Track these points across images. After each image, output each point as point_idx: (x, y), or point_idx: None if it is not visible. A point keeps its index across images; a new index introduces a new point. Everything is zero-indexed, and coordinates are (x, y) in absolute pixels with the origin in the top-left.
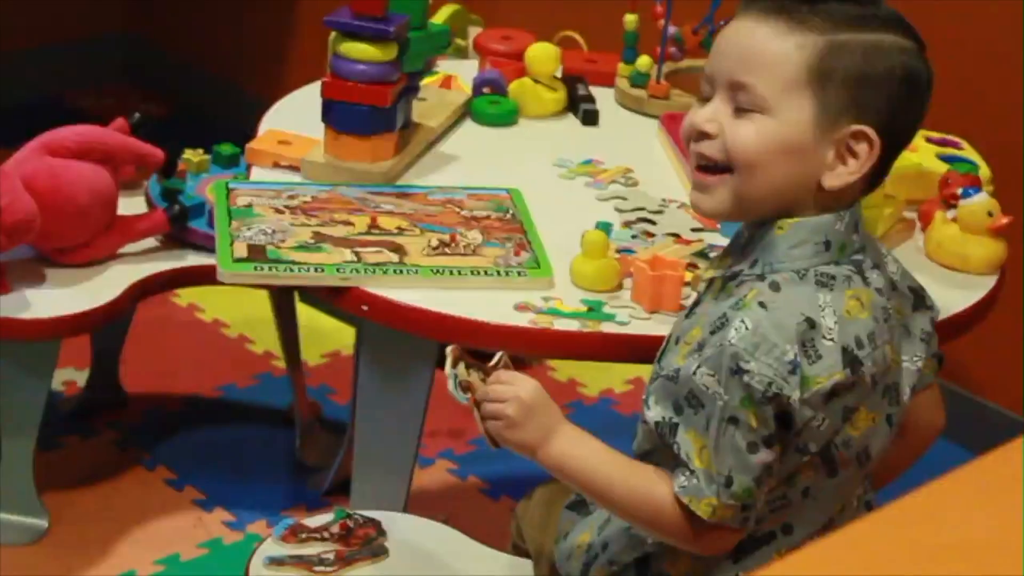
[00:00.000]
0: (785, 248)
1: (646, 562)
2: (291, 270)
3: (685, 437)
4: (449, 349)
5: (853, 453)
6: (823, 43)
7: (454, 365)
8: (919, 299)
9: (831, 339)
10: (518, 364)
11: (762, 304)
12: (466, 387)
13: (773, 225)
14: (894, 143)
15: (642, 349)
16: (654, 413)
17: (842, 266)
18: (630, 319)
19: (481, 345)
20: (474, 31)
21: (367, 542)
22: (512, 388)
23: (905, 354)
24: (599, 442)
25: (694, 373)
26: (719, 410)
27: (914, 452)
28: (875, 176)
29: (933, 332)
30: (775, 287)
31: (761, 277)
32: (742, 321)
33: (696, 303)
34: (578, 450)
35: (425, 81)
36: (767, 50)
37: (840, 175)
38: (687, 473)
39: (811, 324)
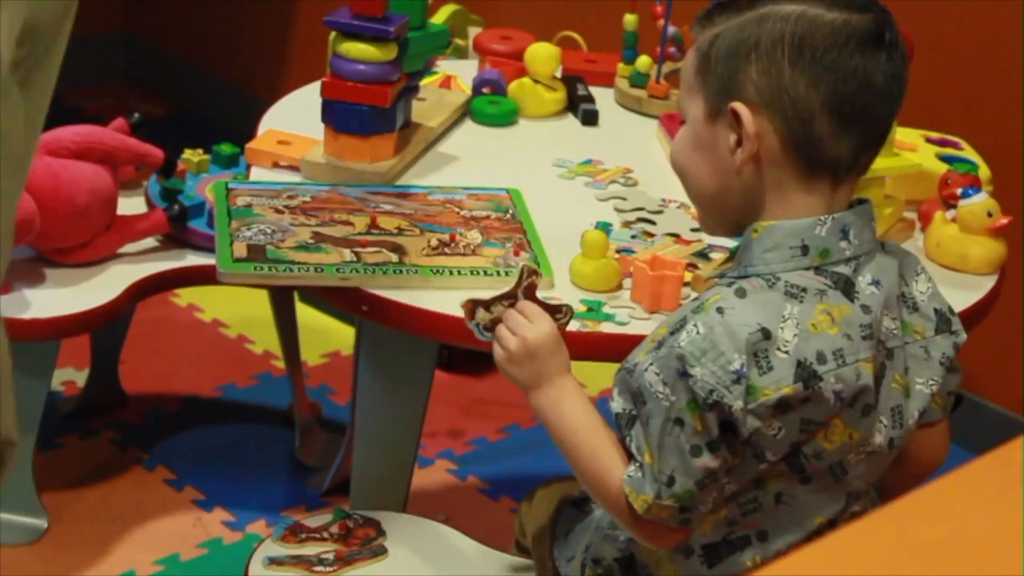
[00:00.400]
0: (759, 251)
1: (631, 565)
2: (291, 270)
3: (638, 431)
4: (462, 304)
5: (825, 465)
6: (707, 38)
7: (471, 318)
8: (944, 322)
9: (785, 352)
10: None
11: (720, 310)
12: (489, 327)
13: (751, 228)
14: (795, 115)
15: None
16: (616, 405)
17: (820, 276)
18: (630, 319)
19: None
20: (474, 31)
21: (366, 542)
22: (525, 325)
23: (920, 376)
24: (588, 406)
25: (645, 370)
26: (665, 410)
27: (911, 482)
28: (809, 156)
29: (955, 360)
30: (740, 293)
31: (732, 282)
32: (695, 325)
33: None
34: (563, 406)
35: (425, 81)
36: (684, 65)
37: (738, 157)
38: (636, 465)
39: (766, 335)
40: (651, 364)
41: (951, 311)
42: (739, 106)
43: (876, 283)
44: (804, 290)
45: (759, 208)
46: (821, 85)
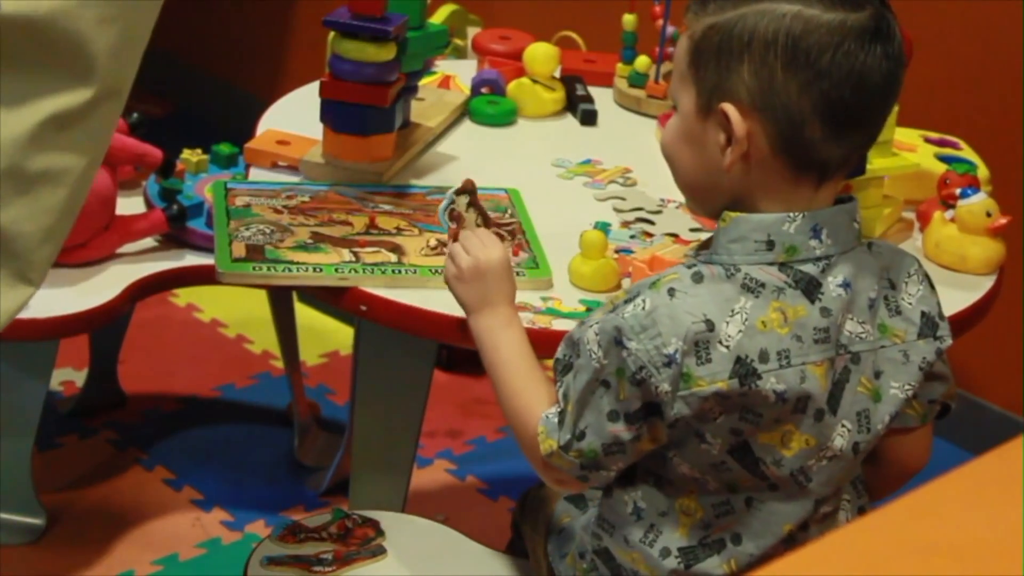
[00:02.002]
0: (724, 241)
1: (610, 558)
2: (289, 270)
3: (568, 380)
4: (465, 180)
5: (786, 472)
6: (701, 28)
7: (458, 193)
8: (929, 327)
9: (726, 346)
10: None
11: (671, 291)
12: (455, 218)
13: (721, 217)
14: (786, 118)
15: None
16: (559, 351)
17: (782, 273)
18: None
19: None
20: (473, 31)
21: (365, 542)
22: (480, 247)
23: (895, 380)
24: (525, 341)
25: (589, 327)
26: (594, 371)
27: (892, 485)
28: (797, 158)
29: (940, 367)
30: (697, 278)
31: (693, 264)
32: (644, 300)
33: None
34: (500, 335)
35: (424, 81)
36: (676, 51)
37: (727, 157)
38: (558, 410)
39: (710, 327)
40: (595, 324)
41: (940, 316)
42: (730, 108)
43: (845, 285)
44: (763, 285)
45: (743, 202)
46: (814, 90)
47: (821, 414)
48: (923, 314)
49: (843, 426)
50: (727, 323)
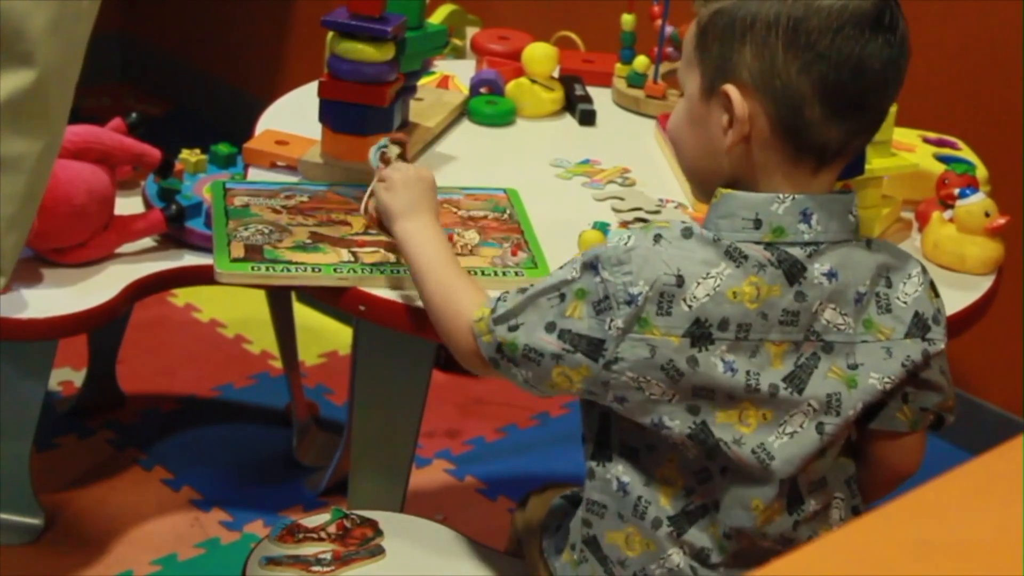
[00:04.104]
0: (714, 217)
1: (598, 548)
2: (288, 270)
3: (537, 282)
4: (401, 133)
5: (748, 450)
6: (707, 12)
7: (388, 143)
8: (919, 328)
9: (689, 306)
10: None
11: (657, 237)
12: (384, 160)
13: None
14: (786, 100)
15: None
16: None
17: (768, 252)
18: None
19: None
20: (471, 31)
21: (364, 542)
22: (413, 167)
23: (876, 372)
24: (448, 247)
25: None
26: (559, 280)
27: (883, 489)
28: (797, 140)
29: (935, 375)
30: (686, 234)
31: (686, 221)
32: (629, 237)
33: None
34: (428, 235)
35: (422, 81)
36: (685, 38)
37: (728, 138)
38: (499, 297)
39: (679, 282)
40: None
41: (936, 320)
42: (731, 89)
43: (831, 274)
44: (746, 257)
45: (742, 184)
46: (813, 71)
47: (776, 389)
48: (916, 314)
49: (808, 405)
50: (698, 284)
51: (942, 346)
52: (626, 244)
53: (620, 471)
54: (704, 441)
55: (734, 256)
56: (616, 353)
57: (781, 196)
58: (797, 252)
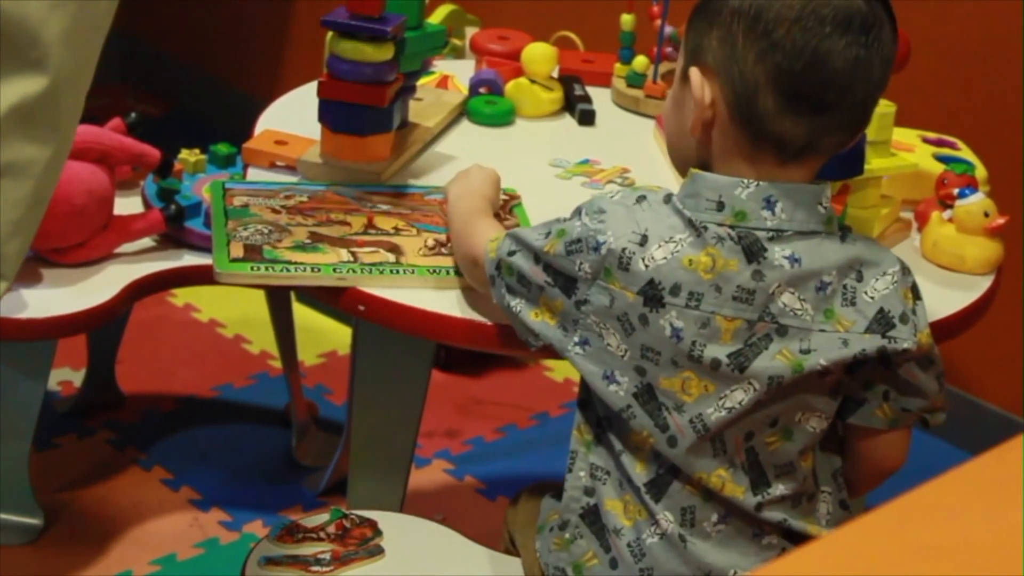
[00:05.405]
0: (682, 195)
1: (597, 518)
2: (288, 270)
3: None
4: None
5: (686, 419)
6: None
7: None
8: (881, 324)
9: (646, 266)
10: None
11: (641, 198)
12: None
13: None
14: (742, 86)
15: None
16: None
17: (731, 229)
18: None
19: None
20: (471, 31)
21: (363, 542)
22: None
23: (823, 358)
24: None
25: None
26: (557, 220)
27: (869, 482)
28: (753, 129)
29: (921, 378)
30: (667, 199)
31: (671, 191)
32: (619, 192)
33: None
34: (470, 200)
35: (422, 81)
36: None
37: (689, 118)
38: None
39: (642, 242)
40: None
41: (904, 320)
42: (694, 72)
43: (794, 259)
44: (706, 228)
45: (707, 168)
46: (768, 60)
47: (718, 364)
48: (880, 311)
49: (749, 383)
50: (659, 247)
51: (907, 346)
52: (612, 197)
53: (612, 439)
54: (647, 403)
55: (696, 227)
56: (586, 295)
57: (746, 181)
58: (760, 235)
